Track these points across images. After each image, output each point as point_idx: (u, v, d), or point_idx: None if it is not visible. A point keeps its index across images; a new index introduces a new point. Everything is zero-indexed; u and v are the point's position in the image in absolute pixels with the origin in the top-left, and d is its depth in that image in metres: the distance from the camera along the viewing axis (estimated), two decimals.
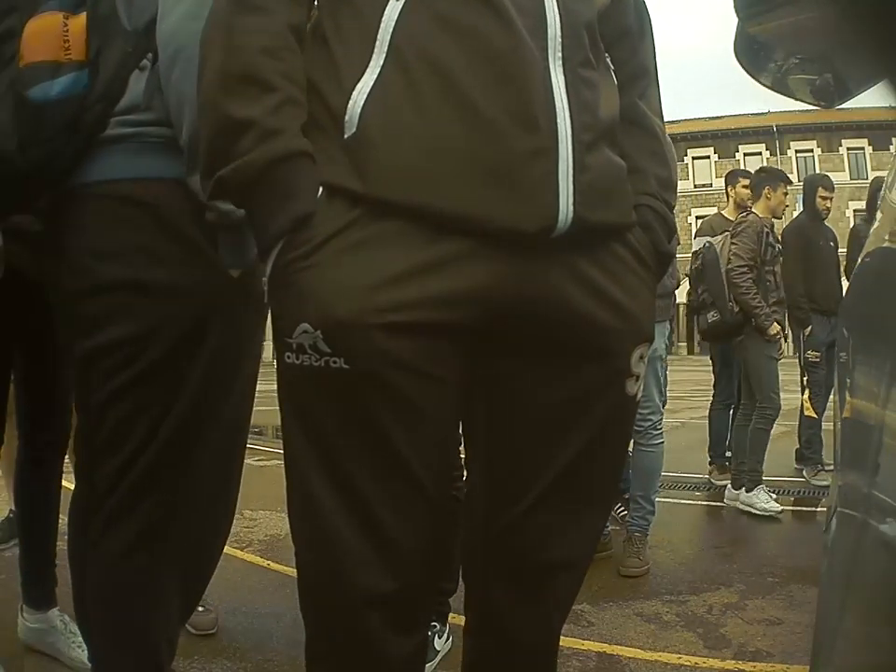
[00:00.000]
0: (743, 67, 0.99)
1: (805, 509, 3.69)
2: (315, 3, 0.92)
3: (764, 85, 1.00)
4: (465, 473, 1.80)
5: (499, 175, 0.82)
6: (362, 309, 0.81)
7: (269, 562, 2.57)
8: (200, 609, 2.00)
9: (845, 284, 4.07)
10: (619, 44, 1.00)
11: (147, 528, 1.16)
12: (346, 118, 0.83)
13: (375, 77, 0.83)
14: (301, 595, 0.94)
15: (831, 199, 4.30)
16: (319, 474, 0.86)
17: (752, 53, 0.99)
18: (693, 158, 30.56)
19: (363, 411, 0.84)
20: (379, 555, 0.87)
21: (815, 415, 4.12)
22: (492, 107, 0.82)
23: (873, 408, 0.71)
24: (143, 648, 1.19)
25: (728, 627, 2.12)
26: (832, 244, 4.30)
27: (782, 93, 0.98)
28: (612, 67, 0.99)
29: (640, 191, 0.97)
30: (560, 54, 0.85)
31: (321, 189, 0.83)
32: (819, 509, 3.53)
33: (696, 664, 1.89)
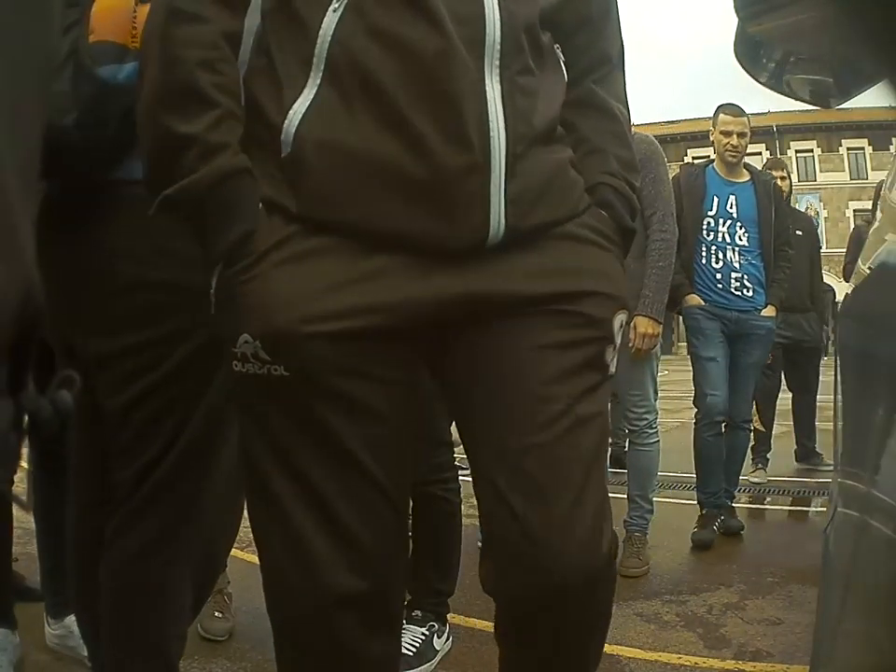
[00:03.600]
0: (743, 67, 0.99)
1: (804, 509, 3.69)
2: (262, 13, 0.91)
3: (764, 85, 1.00)
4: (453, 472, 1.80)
5: (431, 194, 0.83)
6: (298, 319, 0.83)
7: None
8: (218, 614, 2.03)
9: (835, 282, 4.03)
10: (579, 32, 0.99)
11: (164, 530, 1.15)
12: (283, 136, 0.84)
13: (312, 95, 0.84)
14: (269, 598, 0.94)
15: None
16: (278, 473, 0.87)
17: (752, 53, 0.99)
18: (694, 157, 30.56)
19: (309, 413, 0.86)
20: (342, 553, 0.88)
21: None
22: (424, 124, 0.82)
23: (872, 408, 0.71)
24: (156, 650, 1.19)
25: (728, 627, 2.12)
26: (798, 232, 3.88)
27: (782, 93, 0.98)
28: (564, 59, 0.98)
29: (600, 170, 0.97)
30: (497, 62, 0.85)
31: (261, 204, 0.85)
32: (818, 508, 3.53)
33: (696, 664, 1.89)
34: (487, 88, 0.84)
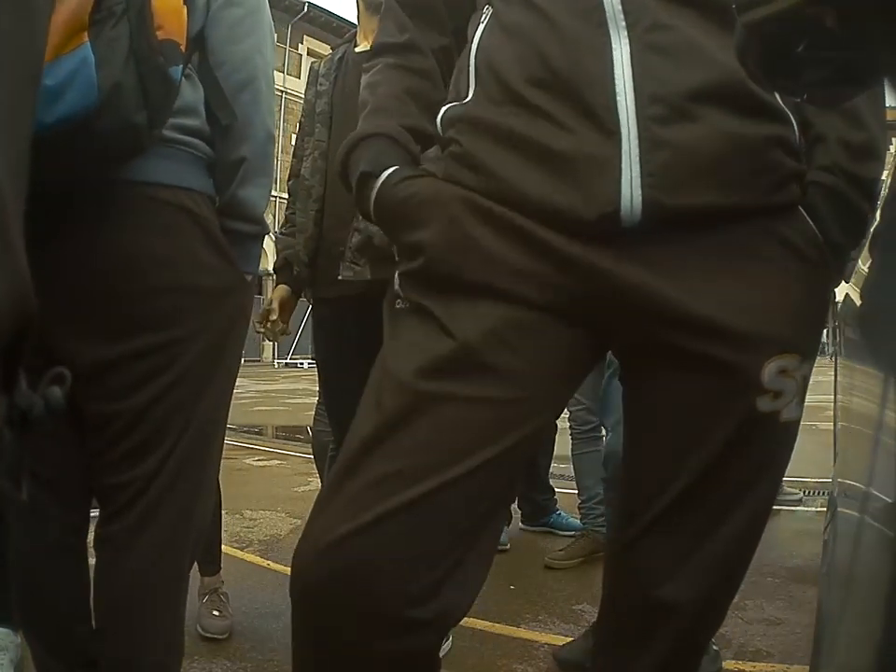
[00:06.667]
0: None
1: (804, 509, 3.69)
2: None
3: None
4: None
5: (558, 166, 0.80)
6: None
7: (269, 562, 2.54)
8: (216, 613, 2.05)
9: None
10: None
11: (179, 524, 1.18)
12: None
13: (465, 102, 0.89)
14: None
15: None
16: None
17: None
18: None
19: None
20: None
21: None
22: (545, 101, 0.81)
23: (872, 408, 0.71)
24: (177, 642, 1.22)
25: (728, 627, 2.11)
26: None
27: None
28: None
29: (816, 166, 0.85)
30: (623, 23, 0.80)
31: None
32: (818, 508, 3.53)
33: None
34: (615, 51, 0.80)
